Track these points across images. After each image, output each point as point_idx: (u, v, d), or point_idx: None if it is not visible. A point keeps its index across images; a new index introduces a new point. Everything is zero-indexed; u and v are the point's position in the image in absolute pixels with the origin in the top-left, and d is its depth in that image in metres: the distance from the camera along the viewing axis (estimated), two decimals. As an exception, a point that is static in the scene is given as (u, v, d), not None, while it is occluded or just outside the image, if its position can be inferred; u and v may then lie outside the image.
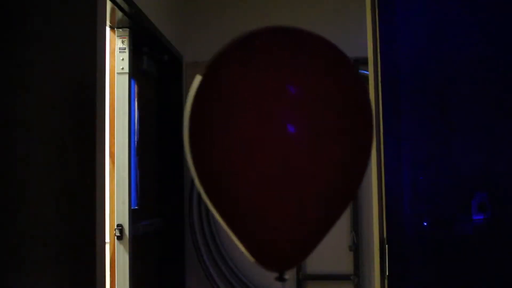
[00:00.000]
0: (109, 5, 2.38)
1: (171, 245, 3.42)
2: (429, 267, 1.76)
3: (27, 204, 1.77)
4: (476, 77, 1.78)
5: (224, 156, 1.14)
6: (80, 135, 1.81)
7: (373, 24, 1.76)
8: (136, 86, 3.04)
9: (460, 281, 1.73)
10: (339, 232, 3.44)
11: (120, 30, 2.74)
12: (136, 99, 3.03)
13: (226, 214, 1.21)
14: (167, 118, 3.40)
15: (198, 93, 1.19)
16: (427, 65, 1.81)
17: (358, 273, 3.45)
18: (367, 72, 1.77)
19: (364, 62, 1.84)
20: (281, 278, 1.23)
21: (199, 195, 2.58)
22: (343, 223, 3.46)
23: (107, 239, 2.55)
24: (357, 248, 3.46)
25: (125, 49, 2.73)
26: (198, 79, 1.22)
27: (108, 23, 2.62)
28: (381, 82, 1.74)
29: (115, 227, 2.66)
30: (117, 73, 2.72)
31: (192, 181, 2.85)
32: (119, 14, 2.54)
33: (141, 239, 2.95)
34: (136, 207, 2.93)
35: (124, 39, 2.74)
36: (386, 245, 1.70)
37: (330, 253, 3.46)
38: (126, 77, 2.73)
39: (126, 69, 2.73)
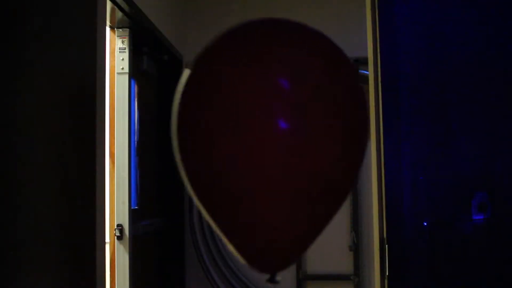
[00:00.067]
0: (109, 5, 2.38)
1: (171, 245, 3.42)
2: (429, 267, 1.76)
3: (27, 204, 1.77)
4: (476, 77, 1.78)
5: (214, 154, 1.10)
6: (80, 135, 1.80)
7: (373, 24, 1.76)
8: (136, 86, 3.03)
9: (460, 281, 1.73)
10: (339, 232, 3.45)
11: (120, 30, 2.74)
12: (136, 99, 3.03)
13: (215, 213, 1.17)
14: (167, 118, 3.39)
15: (186, 90, 1.14)
16: (427, 65, 1.81)
17: (358, 273, 3.45)
18: (367, 72, 1.77)
19: (364, 62, 1.83)
20: (272, 280, 1.19)
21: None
22: (343, 223, 3.46)
23: (107, 239, 2.55)
24: (357, 248, 3.45)
25: (125, 49, 2.73)
26: (186, 73, 1.16)
27: (108, 23, 2.62)
28: (381, 82, 1.74)
29: (115, 227, 2.66)
30: (117, 73, 2.72)
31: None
32: (119, 14, 2.54)
33: (141, 239, 2.95)
34: (136, 207, 2.93)
35: (124, 39, 2.74)
36: (386, 245, 1.70)
37: (330, 253, 3.46)
38: (126, 77, 2.73)
39: (126, 69, 2.73)
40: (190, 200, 3.47)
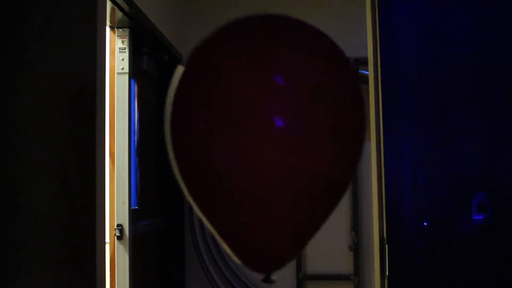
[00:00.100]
0: (109, 5, 2.38)
1: (171, 245, 3.42)
2: (429, 267, 1.76)
3: (27, 204, 1.77)
4: (476, 77, 1.78)
5: (212, 153, 1.09)
6: (80, 135, 1.80)
7: (373, 24, 1.76)
8: (136, 86, 3.03)
9: (460, 281, 1.73)
10: (339, 232, 3.45)
11: (120, 30, 2.74)
12: (136, 99, 3.03)
13: (211, 213, 1.16)
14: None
15: (182, 86, 1.12)
16: (427, 65, 1.81)
17: (358, 273, 3.45)
18: (367, 72, 1.77)
19: (364, 62, 1.83)
20: (267, 280, 1.18)
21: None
22: (343, 223, 3.46)
23: (107, 239, 2.55)
24: (357, 248, 3.45)
25: (125, 49, 2.73)
26: (180, 70, 1.13)
27: (108, 23, 2.62)
28: (381, 82, 1.74)
29: (115, 227, 2.66)
30: (117, 73, 2.72)
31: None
32: (119, 14, 2.54)
33: (141, 239, 2.95)
34: (136, 207, 2.93)
35: (124, 39, 2.74)
36: (386, 245, 1.70)
37: (330, 253, 3.46)
38: (126, 77, 2.73)
39: (126, 69, 2.73)
40: (190, 200, 3.47)
